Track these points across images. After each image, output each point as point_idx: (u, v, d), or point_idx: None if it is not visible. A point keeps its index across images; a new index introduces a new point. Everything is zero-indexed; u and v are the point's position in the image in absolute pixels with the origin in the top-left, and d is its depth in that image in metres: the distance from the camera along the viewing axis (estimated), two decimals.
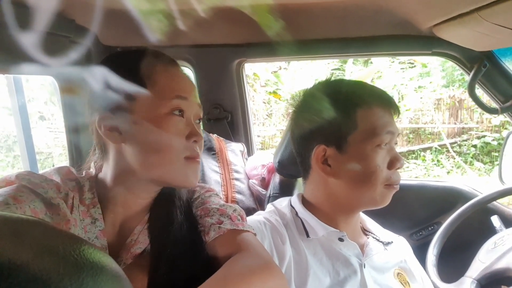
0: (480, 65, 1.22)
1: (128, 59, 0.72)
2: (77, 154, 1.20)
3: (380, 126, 0.85)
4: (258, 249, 0.71)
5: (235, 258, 0.66)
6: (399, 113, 0.91)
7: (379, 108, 0.87)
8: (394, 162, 0.87)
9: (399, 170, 0.89)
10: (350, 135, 0.86)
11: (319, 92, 0.94)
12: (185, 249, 0.69)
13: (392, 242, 0.97)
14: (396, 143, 0.91)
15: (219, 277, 0.62)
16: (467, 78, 1.27)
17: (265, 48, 1.36)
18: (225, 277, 0.62)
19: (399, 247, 0.99)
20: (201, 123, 0.78)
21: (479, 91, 1.30)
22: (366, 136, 0.85)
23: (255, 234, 0.76)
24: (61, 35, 1.03)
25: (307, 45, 1.33)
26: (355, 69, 6.03)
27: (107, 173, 0.73)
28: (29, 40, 0.75)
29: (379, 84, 5.93)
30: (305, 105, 0.96)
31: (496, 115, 4.84)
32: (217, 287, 0.60)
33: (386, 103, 0.88)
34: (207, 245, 0.71)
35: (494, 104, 1.31)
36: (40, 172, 0.72)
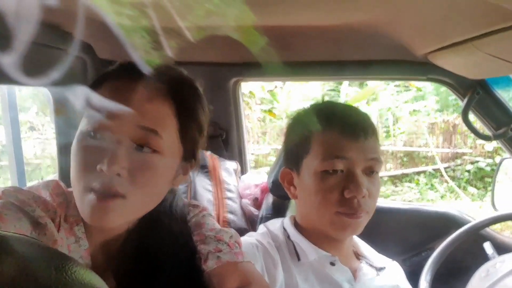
0: (474, 93, 1.24)
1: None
2: (66, 167, 1.18)
3: (330, 151, 0.83)
4: (262, 283, 0.69)
5: None
6: (370, 136, 0.85)
7: (334, 131, 0.84)
8: (346, 190, 0.81)
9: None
10: (305, 158, 0.87)
11: (297, 115, 0.97)
12: (174, 277, 0.65)
13: (385, 267, 0.95)
14: (375, 171, 0.85)
15: None
16: (461, 104, 1.29)
17: (262, 68, 1.37)
18: None
19: (392, 272, 0.97)
20: (160, 151, 0.61)
21: (473, 117, 1.31)
22: (315, 159, 0.85)
23: (253, 264, 0.74)
24: (57, 48, 1.03)
25: (303, 66, 1.34)
26: (350, 91, 6.09)
27: None
28: (24, 52, 0.74)
29: (374, 106, 5.99)
30: (286, 128, 0.99)
31: (489, 142, 4.90)
32: None
33: (344, 127, 0.84)
34: (205, 273, 0.67)
35: (487, 131, 1.32)
36: (28, 184, 0.69)
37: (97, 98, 0.55)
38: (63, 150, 1.19)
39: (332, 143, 0.84)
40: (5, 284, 0.22)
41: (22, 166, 1.59)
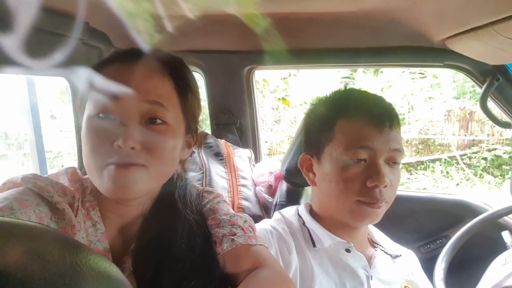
0: (493, 79, 1.21)
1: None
2: None
3: (354, 140, 0.83)
4: (275, 265, 0.71)
5: (255, 274, 0.66)
6: (395, 127, 0.85)
7: (360, 121, 0.84)
8: (369, 179, 0.81)
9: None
10: (327, 146, 0.87)
11: (319, 101, 0.95)
12: (191, 259, 0.67)
13: (400, 255, 0.96)
14: (397, 162, 0.85)
15: None
16: (479, 90, 1.26)
17: (276, 56, 1.36)
18: None
19: (407, 260, 0.98)
20: (167, 122, 0.66)
21: (491, 104, 1.28)
22: (339, 148, 0.84)
23: (266, 247, 0.75)
24: (74, 37, 1.04)
25: (318, 54, 1.33)
26: (365, 78, 6.00)
27: None
28: (42, 42, 0.76)
29: (388, 94, 5.89)
30: (306, 114, 0.99)
31: (509, 129, 4.78)
32: None
33: (371, 117, 0.83)
34: (220, 256, 0.70)
35: (506, 118, 1.30)
36: (49, 171, 0.72)
37: (102, 81, 0.60)
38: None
39: (357, 132, 0.83)
40: (18, 271, 0.23)
41: (43, 154, 1.63)
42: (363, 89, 1.02)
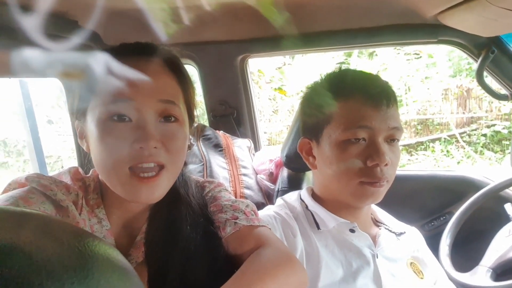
0: (488, 51, 1.20)
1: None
2: (85, 156, 1.21)
3: (352, 120, 0.83)
4: (278, 244, 0.71)
5: (258, 253, 0.67)
6: (392, 105, 0.84)
7: (357, 100, 0.83)
8: (369, 159, 0.81)
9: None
10: (325, 128, 0.87)
11: (314, 85, 0.95)
12: (197, 247, 0.68)
13: (404, 232, 0.96)
14: (396, 139, 0.85)
15: (246, 271, 0.63)
16: (475, 66, 1.25)
17: (268, 42, 1.36)
18: (252, 272, 0.63)
19: (412, 237, 0.98)
20: (180, 120, 0.67)
21: (488, 78, 1.28)
22: (337, 129, 0.84)
23: (270, 229, 0.76)
24: (64, 37, 1.04)
25: (311, 38, 1.32)
26: (360, 62, 5.98)
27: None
28: (33, 43, 0.75)
29: (384, 76, 5.87)
30: (302, 98, 0.98)
31: (506, 101, 4.78)
32: (244, 282, 0.60)
33: (367, 96, 0.83)
34: (224, 240, 0.71)
35: (503, 91, 1.29)
36: (51, 173, 0.72)
37: (115, 82, 0.59)
38: None
39: (355, 112, 0.83)
40: (26, 258, 0.23)
41: (42, 158, 1.63)
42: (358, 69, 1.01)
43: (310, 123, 0.92)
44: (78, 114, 0.68)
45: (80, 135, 0.70)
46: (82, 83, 0.65)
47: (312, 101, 0.94)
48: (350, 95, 0.84)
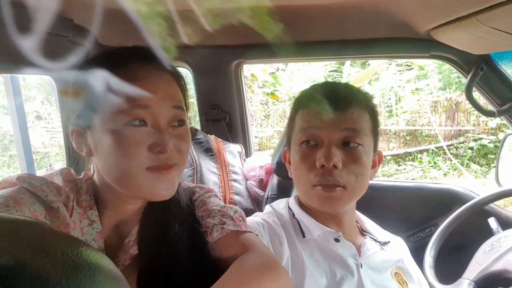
0: (478, 68, 1.23)
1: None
2: (74, 154, 1.20)
3: (304, 123, 0.88)
4: (263, 249, 0.72)
5: (243, 258, 0.67)
6: (350, 108, 0.85)
7: (313, 107, 0.88)
8: (318, 161, 0.83)
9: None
10: (292, 136, 0.93)
11: (295, 97, 1.02)
12: (185, 250, 0.69)
13: (389, 242, 0.97)
14: (354, 143, 0.85)
15: (230, 277, 0.63)
16: (464, 81, 1.28)
17: (264, 49, 1.36)
18: (236, 277, 0.63)
19: (396, 246, 0.99)
20: (186, 123, 0.71)
21: (476, 94, 1.30)
22: (296, 135, 0.90)
23: (257, 235, 0.76)
24: (59, 35, 1.03)
25: (306, 46, 1.33)
26: (353, 71, 6.04)
27: (96, 178, 0.73)
28: (26, 40, 0.74)
29: (376, 86, 5.94)
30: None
31: (493, 118, 4.87)
32: (228, 287, 0.61)
33: (324, 102, 0.85)
34: (210, 245, 0.72)
35: (491, 107, 1.32)
36: (37, 172, 0.71)
37: (132, 88, 0.62)
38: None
39: (308, 115, 0.88)
40: (21, 268, 0.23)
41: (30, 154, 1.61)
42: (350, 82, 1.04)
43: (287, 133, 0.98)
44: (79, 121, 0.67)
45: (78, 141, 0.69)
46: (90, 92, 0.64)
47: (290, 112, 0.99)
48: (309, 103, 0.89)
